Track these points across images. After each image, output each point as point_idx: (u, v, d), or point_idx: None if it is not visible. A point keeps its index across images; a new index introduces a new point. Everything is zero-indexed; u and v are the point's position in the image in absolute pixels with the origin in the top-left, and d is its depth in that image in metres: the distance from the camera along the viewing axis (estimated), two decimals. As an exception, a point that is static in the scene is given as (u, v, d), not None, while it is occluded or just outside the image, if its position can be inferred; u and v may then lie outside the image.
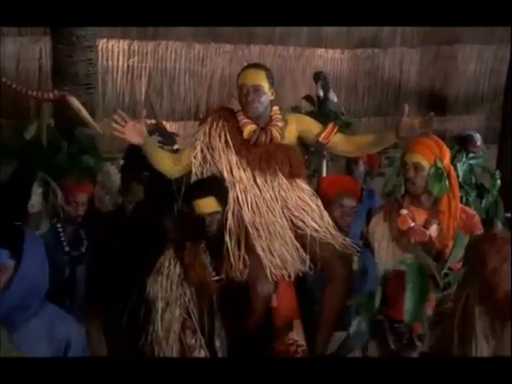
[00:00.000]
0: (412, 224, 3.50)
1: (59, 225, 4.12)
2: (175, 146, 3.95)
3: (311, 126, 3.49)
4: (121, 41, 7.34)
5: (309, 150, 4.95)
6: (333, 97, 5.84)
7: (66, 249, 4.07)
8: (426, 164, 3.43)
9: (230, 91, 7.17)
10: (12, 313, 2.39)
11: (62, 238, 4.07)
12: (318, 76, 5.94)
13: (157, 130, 4.28)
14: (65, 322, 2.54)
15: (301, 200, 3.35)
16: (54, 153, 4.43)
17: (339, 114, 5.77)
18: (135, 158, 3.76)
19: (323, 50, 8.25)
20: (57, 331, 2.48)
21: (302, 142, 3.59)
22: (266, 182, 3.33)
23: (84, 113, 4.55)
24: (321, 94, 5.81)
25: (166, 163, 3.45)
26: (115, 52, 7.37)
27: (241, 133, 3.35)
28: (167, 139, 4.00)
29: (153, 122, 4.73)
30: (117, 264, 3.47)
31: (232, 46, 7.74)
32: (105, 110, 6.75)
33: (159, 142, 3.79)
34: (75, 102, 4.57)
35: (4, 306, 2.38)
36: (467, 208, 3.76)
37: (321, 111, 5.65)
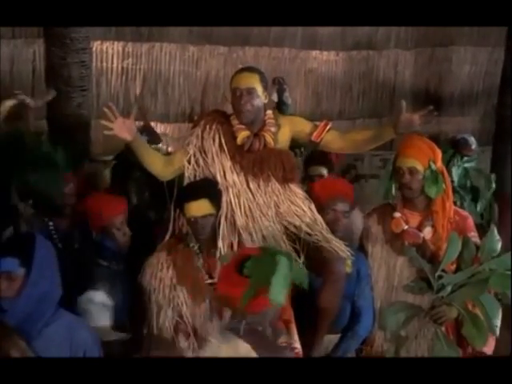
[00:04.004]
0: (406, 226, 3.50)
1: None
2: (160, 145, 3.92)
3: (303, 126, 3.48)
4: (115, 43, 7.31)
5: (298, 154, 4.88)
6: (287, 99, 5.88)
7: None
8: (420, 167, 3.42)
9: (224, 93, 7.15)
10: (26, 321, 2.37)
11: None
12: (273, 81, 5.99)
13: (144, 130, 4.27)
14: (82, 329, 2.54)
15: (293, 205, 3.34)
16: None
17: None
18: (127, 159, 3.75)
19: (318, 51, 8.23)
20: (75, 339, 2.48)
21: (292, 145, 3.56)
22: (259, 187, 3.31)
23: None
24: (275, 98, 5.87)
25: (156, 164, 3.43)
26: (109, 54, 7.34)
27: (234, 138, 3.33)
28: (153, 138, 3.96)
29: (141, 123, 4.70)
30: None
31: (226, 48, 7.71)
32: (99, 111, 6.72)
33: (147, 141, 3.78)
34: None
35: (16, 314, 2.36)
36: (460, 210, 3.76)
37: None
